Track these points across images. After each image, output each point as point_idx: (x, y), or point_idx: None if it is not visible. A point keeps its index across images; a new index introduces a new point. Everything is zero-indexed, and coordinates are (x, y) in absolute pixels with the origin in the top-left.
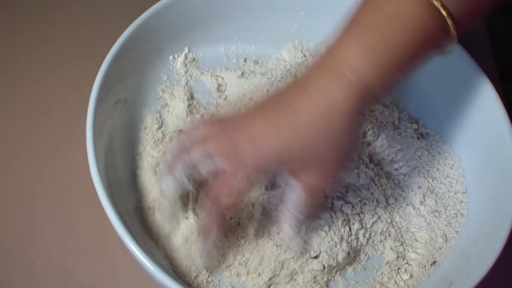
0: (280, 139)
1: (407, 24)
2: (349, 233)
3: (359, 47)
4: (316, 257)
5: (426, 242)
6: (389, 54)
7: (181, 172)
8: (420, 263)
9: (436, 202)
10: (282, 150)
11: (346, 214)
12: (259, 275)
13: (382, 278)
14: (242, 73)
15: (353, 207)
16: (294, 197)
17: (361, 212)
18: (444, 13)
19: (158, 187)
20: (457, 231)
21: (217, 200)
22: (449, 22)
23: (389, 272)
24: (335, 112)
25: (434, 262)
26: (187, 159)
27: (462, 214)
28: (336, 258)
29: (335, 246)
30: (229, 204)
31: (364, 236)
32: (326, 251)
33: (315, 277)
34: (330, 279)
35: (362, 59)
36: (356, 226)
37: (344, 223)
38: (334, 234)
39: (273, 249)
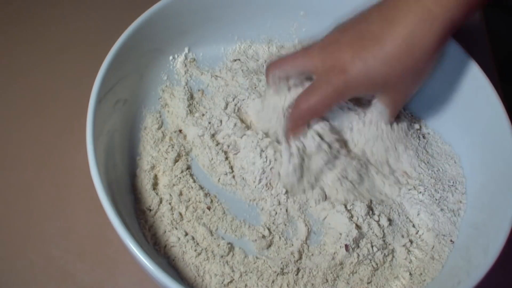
0: (366, 68)
1: None
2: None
3: None
4: None
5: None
6: None
7: (276, 82)
8: (421, 261)
9: (435, 201)
10: (366, 78)
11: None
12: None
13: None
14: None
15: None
16: (379, 111)
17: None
18: None
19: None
20: (457, 231)
21: (306, 109)
22: None
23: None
24: (419, 47)
25: (433, 260)
26: (278, 73)
27: (460, 214)
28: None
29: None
30: (316, 114)
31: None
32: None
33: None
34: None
35: None
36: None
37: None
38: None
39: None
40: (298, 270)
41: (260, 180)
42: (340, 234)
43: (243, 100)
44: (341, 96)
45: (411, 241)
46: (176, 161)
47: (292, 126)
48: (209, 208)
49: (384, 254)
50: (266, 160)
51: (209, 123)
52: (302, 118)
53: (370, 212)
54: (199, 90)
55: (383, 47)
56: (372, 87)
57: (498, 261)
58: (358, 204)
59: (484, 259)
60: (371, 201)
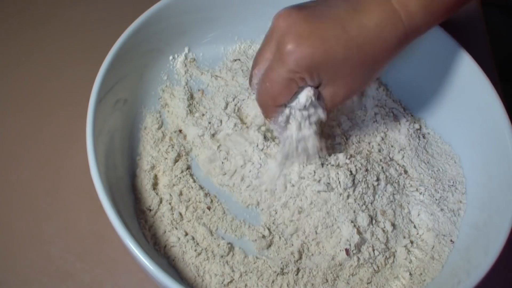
0: (325, 47)
1: None
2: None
3: None
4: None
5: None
6: (439, 1)
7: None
8: (421, 261)
9: (435, 201)
10: (323, 57)
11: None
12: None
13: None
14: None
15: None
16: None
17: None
18: None
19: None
20: (457, 231)
21: (264, 93)
22: None
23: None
24: (381, 43)
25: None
26: (259, 68)
27: (460, 214)
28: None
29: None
30: (275, 96)
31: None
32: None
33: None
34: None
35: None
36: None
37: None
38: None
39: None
40: (298, 270)
41: (249, 184)
42: (341, 237)
43: (243, 100)
44: (296, 76)
45: (411, 242)
46: (176, 161)
47: (264, 113)
48: (209, 208)
49: (386, 256)
50: (253, 165)
51: (209, 123)
52: (265, 103)
53: (374, 221)
54: (199, 90)
55: (346, 31)
56: (325, 69)
57: (498, 261)
58: (361, 215)
59: (484, 259)
60: (374, 210)
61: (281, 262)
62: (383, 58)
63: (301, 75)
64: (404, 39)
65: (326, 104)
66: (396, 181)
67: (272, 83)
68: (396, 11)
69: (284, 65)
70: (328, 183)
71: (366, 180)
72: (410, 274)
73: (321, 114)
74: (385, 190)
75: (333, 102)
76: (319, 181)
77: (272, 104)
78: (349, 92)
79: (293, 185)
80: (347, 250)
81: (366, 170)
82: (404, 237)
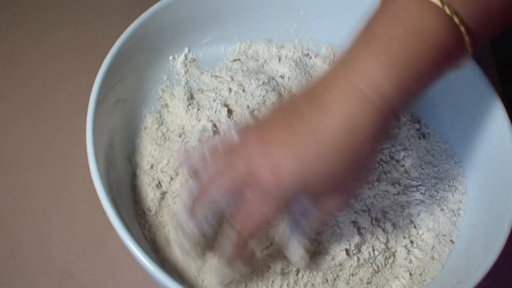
0: (303, 167)
1: (430, 42)
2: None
3: (380, 63)
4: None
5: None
6: (412, 73)
7: (203, 214)
8: (421, 261)
9: (436, 201)
10: (305, 178)
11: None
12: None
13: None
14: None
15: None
16: (309, 217)
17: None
18: (462, 29)
19: (174, 232)
20: (457, 231)
21: (242, 232)
22: (466, 39)
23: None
24: (359, 136)
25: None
26: (207, 200)
27: (460, 214)
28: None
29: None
30: (255, 234)
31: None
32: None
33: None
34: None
35: (384, 76)
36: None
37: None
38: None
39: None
40: (298, 270)
41: None
42: (342, 237)
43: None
44: (281, 206)
45: (411, 242)
46: (176, 161)
47: (236, 252)
48: None
49: (386, 257)
50: None
51: (209, 122)
52: (244, 242)
53: (374, 221)
54: (199, 90)
55: (320, 141)
56: (312, 189)
57: (498, 261)
58: (361, 215)
59: (484, 259)
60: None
61: (281, 262)
62: (366, 148)
63: (286, 203)
64: (384, 121)
65: (321, 216)
66: (397, 181)
67: (255, 222)
68: (365, 94)
69: (266, 200)
70: None
71: (366, 180)
72: (410, 274)
73: (313, 225)
74: (386, 191)
75: (329, 212)
76: None
77: (251, 240)
78: (345, 197)
79: None
80: (347, 250)
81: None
82: (404, 237)
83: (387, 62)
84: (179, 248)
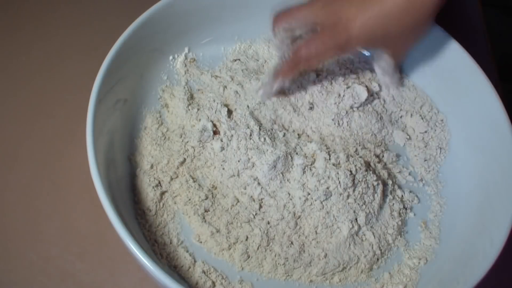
0: (367, 26)
1: None
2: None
3: None
4: None
5: (421, 242)
6: None
7: (281, 34)
8: (420, 261)
9: (436, 200)
10: (367, 36)
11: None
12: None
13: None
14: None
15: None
16: (384, 60)
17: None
18: None
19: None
20: (456, 231)
21: (305, 57)
22: None
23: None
24: (418, 8)
25: (426, 262)
26: (284, 25)
27: (460, 214)
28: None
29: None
30: (313, 63)
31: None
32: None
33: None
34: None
35: None
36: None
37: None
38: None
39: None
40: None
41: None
42: (341, 237)
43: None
44: (341, 51)
45: (410, 242)
46: (176, 160)
47: (286, 69)
48: (207, 211)
49: (385, 256)
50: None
51: (209, 122)
52: (297, 63)
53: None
54: (199, 90)
55: (383, 6)
56: (372, 43)
57: (498, 261)
58: (361, 214)
59: (484, 259)
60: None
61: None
62: (424, 20)
63: (346, 52)
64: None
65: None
66: (399, 181)
67: (317, 53)
68: None
69: (332, 41)
70: (327, 189)
71: (366, 180)
72: (410, 274)
73: (391, 64)
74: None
75: (395, 57)
76: (317, 189)
77: (304, 67)
78: (401, 51)
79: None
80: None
81: (366, 170)
82: (400, 235)
83: None
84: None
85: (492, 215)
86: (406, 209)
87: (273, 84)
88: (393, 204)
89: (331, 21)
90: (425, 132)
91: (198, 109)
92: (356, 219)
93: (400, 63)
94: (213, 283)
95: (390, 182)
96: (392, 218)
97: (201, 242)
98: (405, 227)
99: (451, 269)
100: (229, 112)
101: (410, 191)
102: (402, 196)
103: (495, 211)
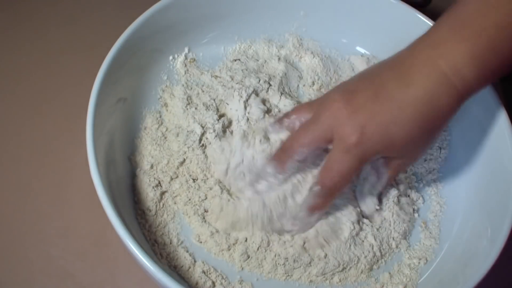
0: (385, 131)
1: None
2: None
3: (466, 50)
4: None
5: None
6: (494, 63)
7: (291, 170)
8: (420, 262)
9: (437, 203)
10: (385, 141)
11: None
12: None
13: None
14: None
15: None
16: (380, 175)
17: None
18: None
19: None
20: (456, 231)
21: (333, 187)
22: None
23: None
24: (437, 112)
25: (426, 262)
26: (296, 157)
27: (459, 214)
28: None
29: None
30: (337, 188)
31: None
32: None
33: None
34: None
35: (469, 64)
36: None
37: None
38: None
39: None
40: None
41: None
42: (344, 238)
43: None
44: (362, 164)
45: (411, 243)
46: (176, 160)
47: (321, 203)
48: (207, 211)
49: (386, 257)
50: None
51: (198, 125)
52: (331, 193)
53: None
54: (198, 90)
55: (402, 111)
56: (392, 152)
57: (498, 261)
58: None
59: (484, 259)
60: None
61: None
62: (440, 124)
63: (368, 162)
64: (459, 102)
65: (391, 175)
66: (401, 182)
67: (342, 177)
68: (447, 76)
69: (351, 157)
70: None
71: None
72: (410, 274)
73: (383, 184)
74: (389, 193)
75: (398, 172)
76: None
77: (338, 194)
78: (413, 160)
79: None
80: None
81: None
82: (405, 238)
83: (472, 51)
84: (252, 192)
85: (492, 215)
86: (414, 211)
87: (311, 220)
88: (404, 207)
89: (343, 133)
90: None
91: (196, 109)
92: (358, 221)
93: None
94: (213, 283)
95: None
96: (402, 221)
97: (201, 242)
98: (411, 231)
99: (451, 269)
100: (224, 116)
101: (416, 191)
102: (413, 198)
103: (495, 211)
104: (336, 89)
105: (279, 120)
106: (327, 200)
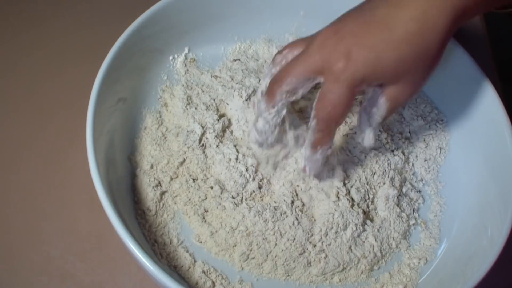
0: (374, 53)
1: None
2: None
3: None
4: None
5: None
6: None
7: (283, 102)
8: (420, 261)
9: (437, 203)
10: (376, 63)
11: None
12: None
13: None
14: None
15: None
16: (378, 106)
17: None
18: None
19: (256, 123)
20: (456, 231)
21: (327, 117)
22: None
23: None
24: (431, 31)
25: (426, 262)
26: (286, 88)
27: (459, 214)
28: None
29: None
30: (336, 119)
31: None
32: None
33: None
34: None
35: None
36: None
37: None
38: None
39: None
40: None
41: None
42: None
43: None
44: (353, 91)
45: (411, 243)
46: (175, 160)
47: (321, 136)
48: (207, 211)
49: (387, 258)
50: (241, 174)
51: (198, 125)
52: (328, 126)
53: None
54: (198, 90)
55: (392, 30)
56: (382, 75)
57: (498, 261)
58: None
59: (484, 259)
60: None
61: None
62: (435, 46)
63: (359, 88)
64: (453, 21)
65: (389, 105)
66: (401, 182)
67: (334, 107)
68: None
69: (340, 85)
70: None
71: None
72: (410, 274)
73: (382, 114)
74: (389, 193)
75: (397, 102)
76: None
77: (335, 126)
78: (412, 90)
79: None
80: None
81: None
82: (405, 238)
83: None
84: (258, 135)
85: (492, 215)
86: (414, 211)
87: (318, 157)
88: (403, 207)
89: (331, 62)
90: (427, 134)
91: (195, 108)
92: (362, 224)
93: (400, 106)
94: (213, 283)
95: (402, 186)
96: (402, 221)
97: (201, 242)
98: (411, 231)
99: (451, 269)
100: (225, 116)
101: (416, 191)
102: (412, 198)
103: (494, 211)
104: (329, 24)
105: (273, 60)
106: (326, 133)
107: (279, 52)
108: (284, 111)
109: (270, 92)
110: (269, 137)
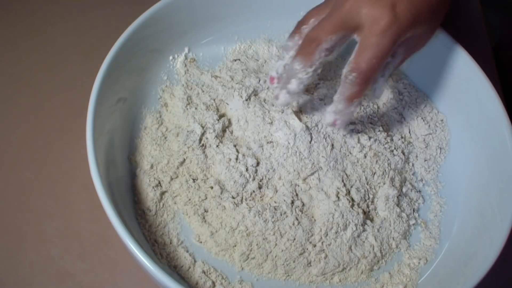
0: (414, 5)
1: None
2: None
3: None
4: None
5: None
6: None
7: (321, 61)
8: (420, 262)
9: (437, 203)
10: (415, 15)
11: None
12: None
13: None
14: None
15: None
16: (395, 55)
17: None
18: None
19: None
20: (456, 231)
21: (371, 70)
22: None
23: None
24: None
25: (426, 262)
26: (325, 45)
27: (459, 214)
28: None
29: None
30: (375, 70)
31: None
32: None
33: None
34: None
35: None
36: None
37: None
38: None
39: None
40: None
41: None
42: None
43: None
44: (396, 43)
45: (411, 244)
46: (175, 160)
47: (359, 89)
48: (207, 211)
49: (387, 258)
50: (241, 174)
51: (198, 125)
52: (368, 78)
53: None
54: (198, 90)
55: None
56: (419, 26)
57: (498, 261)
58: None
59: (484, 259)
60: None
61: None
62: None
63: (402, 40)
64: None
65: (408, 54)
66: (401, 182)
67: (378, 59)
68: None
69: (387, 38)
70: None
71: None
72: (410, 274)
73: (397, 62)
74: (389, 193)
75: (414, 50)
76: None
77: (372, 77)
78: (430, 36)
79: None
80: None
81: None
82: (405, 238)
83: None
84: (291, 97)
85: (492, 215)
86: (414, 211)
87: (352, 110)
88: (403, 207)
89: (378, 15)
90: (427, 134)
91: (195, 109)
92: (362, 224)
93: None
94: (213, 283)
95: (402, 186)
96: (402, 221)
97: (201, 242)
98: (411, 231)
99: (451, 269)
100: (225, 116)
101: (416, 191)
102: (412, 198)
103: (495, 211)
104: None
105: (296, 31)
106: (363, 86)
107: (302, 23)
108: (319, 70)
109: (306, 52)
110: (300, 98)
